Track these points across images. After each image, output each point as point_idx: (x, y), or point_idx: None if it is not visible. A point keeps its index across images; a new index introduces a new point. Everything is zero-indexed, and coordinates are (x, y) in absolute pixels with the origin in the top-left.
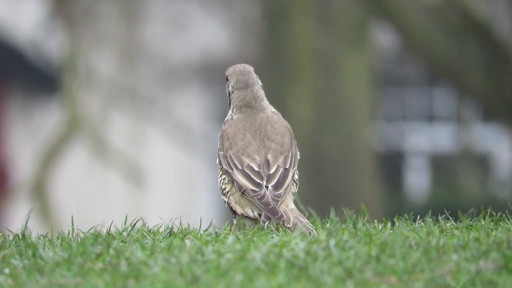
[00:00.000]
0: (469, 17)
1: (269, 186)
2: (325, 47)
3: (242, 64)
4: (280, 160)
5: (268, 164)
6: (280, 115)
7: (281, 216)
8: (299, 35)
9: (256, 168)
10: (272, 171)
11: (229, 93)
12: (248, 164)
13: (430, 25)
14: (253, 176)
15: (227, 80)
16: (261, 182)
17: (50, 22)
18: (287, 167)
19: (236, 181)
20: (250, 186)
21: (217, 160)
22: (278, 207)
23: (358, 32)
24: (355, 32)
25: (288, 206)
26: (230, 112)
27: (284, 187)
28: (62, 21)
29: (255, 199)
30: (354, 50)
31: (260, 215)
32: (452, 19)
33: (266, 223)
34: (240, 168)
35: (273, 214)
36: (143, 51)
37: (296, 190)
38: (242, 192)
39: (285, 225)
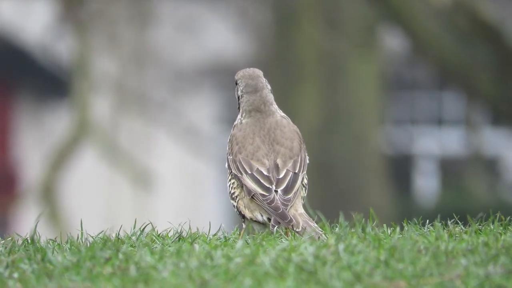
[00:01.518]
0: (479, 20)
1: (279, 190)
2: (334, 50)
3: (251, 68)
4: (289, 165)
5: (277, 168)
6: (289, 120)
7: (290, 220)
8: (309, 38)
9: (265, 173)
10: (281, 175)
11: (239, 97)
12: (258, 169)
13: (439, 28)
14: (262, 181)
15: (236, 84)
16: (270, 187)
17: (59, 25)
18: (296, 171)
19: (245, 185)
20: (259, 190)
21: (226, 164)
22: (288, 212)
23: (367, 35)
24: (364, 35)
25: (297, 211)
26: (239, 116)
27: (293, 192)
28: (72, 24)
29: (264, 203)
30: (363, 53)
31: (269, 219)
32: (462, 22)
33: (275, 228)
34: (249, 172)
35: (282, 219)
36: (152, 54)
37: (305, 195)
38: (251, 197)
39: (294, 229)
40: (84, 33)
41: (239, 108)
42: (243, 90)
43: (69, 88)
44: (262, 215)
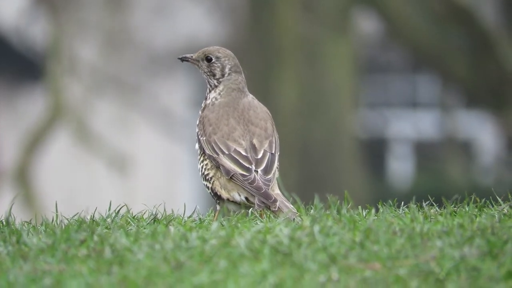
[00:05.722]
0: (453, 4)
1: (259, 170)
2: (309, 33)
3: (225, 48)
4: (266, 145)
5: (254, 149)
6: (257, 100)
7: (275, 200)
8: (283, 21)
9: (243, 153)
10: (259, 156)
11: (222, 75)
12: (235, 149)
13: (414, 12)
14: (241, 161)
15: (216, 60)
16: (250, 167)
17: (34, 9)
18: (273, 152)
19: (223, 165)
20: (239, 170)
21: (197, 146)
22: (269, 192)
23: (342, 19)
24: (339, 18)
25: (274, 191)
26: (214, 94)
27: (272, 172)
28: (46, 8)
29: (246, 183)
30: (337, 36)
31: (247, 198)
32: (436, 6)
33: (251, 209)
34: (227, 152)
35: (266, 198)
36: (127, 38)
37: (277, 175)
38: (230, 177)
39: (271, 208)
40: (58, 16)
41: (213, 85)
42: (232, 69)
43: (44, 72)
44: (240, 195)
